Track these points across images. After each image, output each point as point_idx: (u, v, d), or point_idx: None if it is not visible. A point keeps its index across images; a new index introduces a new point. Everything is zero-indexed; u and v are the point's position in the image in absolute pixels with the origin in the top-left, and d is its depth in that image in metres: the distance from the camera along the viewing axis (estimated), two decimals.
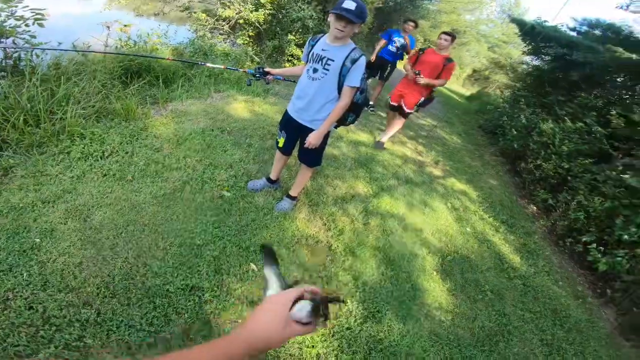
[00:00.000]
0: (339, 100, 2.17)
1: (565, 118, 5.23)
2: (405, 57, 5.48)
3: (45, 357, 1.40)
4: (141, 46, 4.45)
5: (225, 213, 2.46)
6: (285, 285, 0.74)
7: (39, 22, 3.11)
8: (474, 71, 21.95)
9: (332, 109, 2.18)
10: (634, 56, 4.92)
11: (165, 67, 4.17)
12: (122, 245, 1.99)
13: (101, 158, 2.59)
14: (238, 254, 2.16)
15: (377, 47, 5.57)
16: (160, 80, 3.99)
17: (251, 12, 6.54)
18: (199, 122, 3.52)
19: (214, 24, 6.90)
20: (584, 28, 6.93)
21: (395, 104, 4.42)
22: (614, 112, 4.78)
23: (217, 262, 2.06)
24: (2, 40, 3.01)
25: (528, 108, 6.44)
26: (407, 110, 4.36)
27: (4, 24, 3.02)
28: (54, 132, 2.62)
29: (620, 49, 5.11)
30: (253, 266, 2.12)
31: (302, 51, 2.39)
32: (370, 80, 5.68)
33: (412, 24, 5.30)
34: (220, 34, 6.93)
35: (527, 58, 9.07)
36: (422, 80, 4.00)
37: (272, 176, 2.79)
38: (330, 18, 1.99)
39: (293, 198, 2.71)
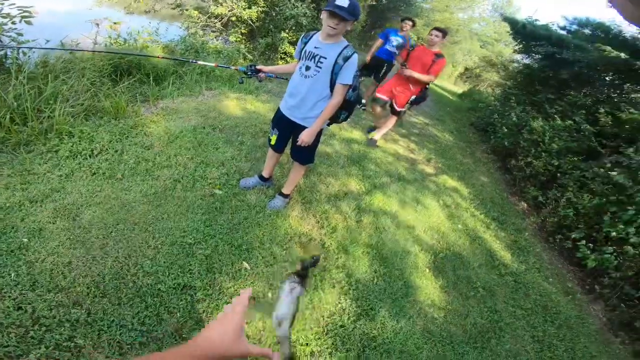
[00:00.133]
0: (331, 97, 2.17)
1: (555, 116, 5.30)
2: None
3: (36, 357, 1.38)
4: (131, 44, 4.39)
5: (217, 211, 2.45)
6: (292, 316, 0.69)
7: (26, 19, 3.05)
8: (466, 69, 22.10)
9: (324, 107, 2.18)
10: (622, 55, 5.00)
11: (156, 65, 4.12)
12: (112, 244, 1.96)
13: (90, 156, 2.56)
14: (230, 253, 2.15)
15: (373, 48, 5.55)
16: (151, 78, 3.95)
17: (244, 9, 6.50)
18: (190, 120, 3.49)
19: (206, 22, 6.85)
20: (574, 27, 7.01)
21: (383, 97, 4.37)
22: (602, 111, 4.86)
23: (209, 261, 2.05)
24: None
25: (518, 106, 6.51)
26: (399, 109, 4.37)
27: None
28: (41, 130, 2.58)
29: (608, 48, 5.18)
30: (245, 264, 2.11)
31: (295, 49, 2.37)
32: (363, 78, 5.67)
33: (409, 22, 5.25)
34: (213, 31, 6.88)
35: (518, 56, 9.16)
36: (407, 72, 4.00)
37: (265, 174, 2.78)
38: (323, 15, 1.99)
39: (286, 196, 2.71)
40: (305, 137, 2.23)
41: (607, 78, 5.93)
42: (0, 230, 1.85)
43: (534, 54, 7.70)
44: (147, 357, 0.57)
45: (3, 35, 3.02)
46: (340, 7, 1.87)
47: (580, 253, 3.45)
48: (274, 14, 6.61)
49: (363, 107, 6.18)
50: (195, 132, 3.27)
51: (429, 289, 2.55)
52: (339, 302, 2.13)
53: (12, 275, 1.65)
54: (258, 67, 2.52)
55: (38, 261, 1.76)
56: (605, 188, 3.75)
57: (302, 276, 0.65)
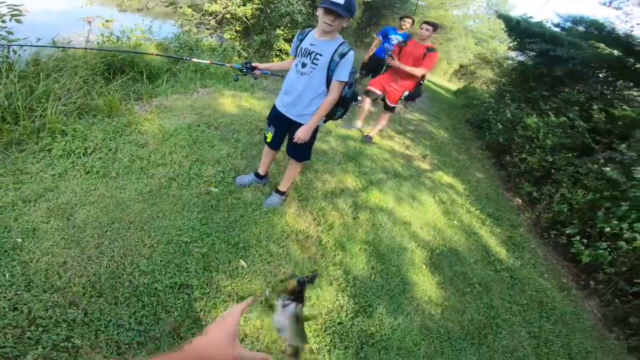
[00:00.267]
0: (327, 94, 2.16)
1: (549, 113, 5.34)
2: None
3: (33, 358, 1.37)
4: (124, 42, 4.35)
5: (213, 209, 2.43)
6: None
7: (16, 18, 3.00)
8: (461, 66, 22.17)
9: (320, 104, 2.17)
10: (615, 52, 5.04)
11: (150, 63, 4.09)
12: (107, 243, 1.94)
13: (84, 155, 2.53)
14: (227, 251, 2.14)
15: (372, 47, 5.52)
16: (145, 76, 3.91)
17: (238, 6, 6.45)
18: (185, 118, 3.47)
19: (200, 19, 6.79)
20: (568, 24, 7.05)
21: (376, 90, 4.33)
22: (595, 107, 4.91)
23: (205, 259, 2.04)
24: None
25: (513, 103, 6.55)
26: (391, 105, 4.36)
27: None
28: (33, 129, 2.55)
29: (602, 45, 5.22)
30: (242, 262, 2.10)
31: (290, 46, 2.37)
32: (358, 76, 5.65)
33: (409, 20, 5.18)
34: (207, 28, 6.83)
35: (513, 53, 9.20)
36: (396, 62, 3.98)
37: (261, 171, 2.77)
38: (319, 12, 1.98)
39: (282, 193, 2.70)
40: (301, 134, 2.23)
41: (600, 75, 5.98)
42: None
43: (528, 51, 7.75)
44: None
45: None
46: (336, 4, 1.86)
47: (574, 249, 3.48)
48: (269, 11, 6.57)
49: (359, 105, 6.16)
50: (190, 129, 3.25)
51: (425, 285, 2.56)
52: (337, 299, 2.14)
53: (7, 275, 1.63)
54: (253, 64, 2.51)
55: (33, 261, 1.73)
56: (599, 184, 3.79)
57: (297, 294, 0.63)
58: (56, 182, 2.25)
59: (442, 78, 20.93)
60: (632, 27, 5.64)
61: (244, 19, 6.59)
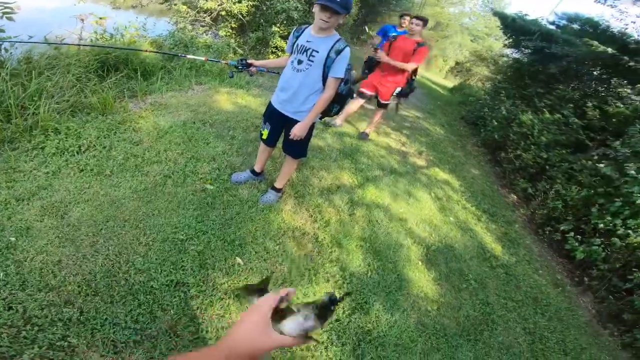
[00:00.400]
0: (323, 91, 2.16)
1: (544, 110, 5.37)
2: None
3: (29, 357, 1.36)
4: (118, 39, 4.30)
5: (209, 207, 2.42)
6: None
7: (7, 16, 2.96)
8: (457, 63, 22.21)
9: (316, 101, 2.17)
10: (609, 50, 5.07)
11: (144, 60, 4.05)
12: (102, 242, 1.93)
13: (77, 153, 2.51)
14: (223, 248, 2.14)
15: (370, 46, 5.48)
16: (139, 73, 3.87)
17: (234, 3, 6.41)
18: (180, 115, 3.44)
19: (195, 16, 6.74)
20: (563, 22, 7.09)
21: (367, 92, 4.30)
22: (590, 104, 4.94)
23: (201, 257, 2.03)
24: None
25: (508, 100, 6.57)
26: (383, 101, 4.33)
27: None
28: (26, 127, 2.52)
29: (596, 43, 5.24)
30: (239, 260, 2.10)
31: (286, 43, 2.36)
32: (355, 73, 5.60)
33: (409, 18, 5.06)
34: (202, 26, 6.78)
35: (508, 51, 9.23)
36: (384, 58, 3.97)
37: (257, 168, 2.76)
38: (315, 9, 1.98)
39: (278, 190, 2.69)
40: (297, 131, 2.22)
41: (594, 72, 6.01)
42: None
43: (523, 49, 7.77)
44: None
45: None
46: (333, 1, 1.86)
47: (569, 245, 3.50)
48: (264, 8, 6.53)
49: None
50: (185, 127, 3.23)
51: (422, 281, 2.57)
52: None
53: (1, 275, 1.62)
54: (249, 61, 2.51)
55: (27, 260, 1.72)
56: (593, 180, 3.82)
57: (322, 312, 0.59)
58: (50, 180, 2.22)
59: (438, 75, 20.96)
60: (626, 25, 5.68)
61: (240, 16, 6.55)
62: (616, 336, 2.90)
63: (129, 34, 4.52)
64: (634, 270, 3.00)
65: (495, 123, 6.15)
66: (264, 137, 2.48)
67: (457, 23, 24.54)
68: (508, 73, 8.36)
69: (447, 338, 2.20)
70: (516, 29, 7.56)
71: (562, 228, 3.77)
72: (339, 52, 2.04)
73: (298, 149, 2.46)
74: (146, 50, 3.58)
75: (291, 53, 2.21)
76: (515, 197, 4.89)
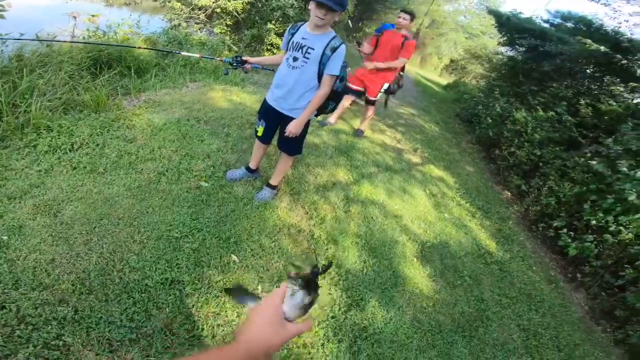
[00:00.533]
0: (319, 88, 2.15)
1: (538, 107, 5.41)
2: None
3: (24, 357, 1.35)
4: (111, 36, 4.26)
5: (204, 204, 2.41)
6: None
7: None
8: (451, 61, 22.28)
9: (311, 98, 2.17)
10: (602, 48, 5.11)
11: (137, 57, 4.02)
12: (96, 240, 1.92)
13: (70, 151, 2.48)
14: (218, 246, 2.13)
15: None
16: (132, 71, 3.84)
17: (229, 0, 6.37)
18: (174, 112, 3.42)
19: (190, 13, 6.70)
20: (557, 20, 7.13)
21: (355, 87, 4.29)
22: (582, 102, 4.99)
23: (196, 255, 2.02)
24: None
25: (502, 97, 6.61)
26: (371, 98, 4.32)
27: None
28: (17, 125, 2.49)
29: (589, 41, 5.29)
30: (234, 257, 2.09)
31: (282, 40, 2.35)
32: (349, 69, 5.57)
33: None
34: (196, 23, 6.74)
35: (503, 49, 9.27)
36: (370, 65, 3.98)
37: (252, 165, 2.75)
38: (311, 6, 1.97)
39: (273, 187, 2.69)
40: (292, 128, 2.22)
41: (587, 70, 6.06)
42: None
43: (518, 47, 7.81)
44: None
45: None
46: None
47: (562, 241, 3.54)
48: (259, 5, 6.50)
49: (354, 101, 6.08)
50: (179, 124, 3.20)
51: (417, 278, 2.58)
52: (330, 293, 2.14)
53: None
54: (244, 58, 2.49)
55: (19, 259, 1.70)
56: (586, 177, 3.86)
57: (307, 282, 0.59)
58: (42, 178, 2.20)
59: (433, 73, 21.01)
60: (619, 23, 5.73)
61: (235, 13, 6.51)
62: (609, 332, 2.93)
63: (122, 32, 4.48)
64: (625, 267, 3.03)
65: (490, 120, 6.19)
66: (259, 134, 2.47)
67: (452, 21, 24.59)
68: (502, 71, 8.41)
69: (443, 334, 2.21)
70: (511, 27, 7.60)
71: (555, 224, 3.81)
72: (334, 50, 2.04)
73: (293, 146, 2.46)
74: (139, 47, 3.55)
75: (286, 50, 2.20)
76: (509, 193, 4.92)
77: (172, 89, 3.98)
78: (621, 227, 3.24)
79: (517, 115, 5.42)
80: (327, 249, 2.47)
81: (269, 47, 6.36)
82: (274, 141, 2.55)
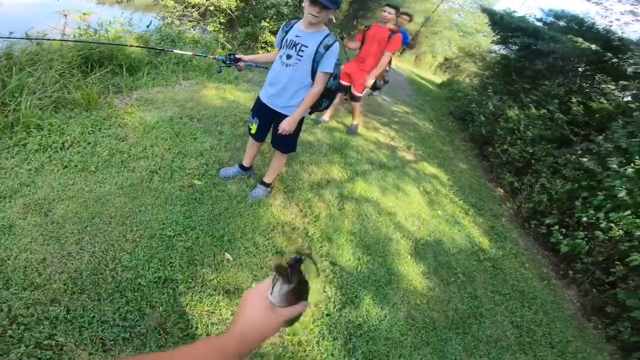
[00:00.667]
0: (312, 86, 2.15)
1: (530, 105, 5.45)
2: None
3: (17, 357, 1.34)
4: (102, 34, 4.21)
5: (197, 202, 2.40)
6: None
7: None
8: (446, 59, 22.34)
9: (305, 95, 2.17)
10: (592, 46, 5.16)
11: (129, 55, 3.97)
12: (87, 239, 1.90)
13: (61, 149, 2.45)
14: (212, 244, 2.12)
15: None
16: (124, 69, 3.80)
17: None
18: (167, 110, 3.39)
19: (183, 11, 6.64)
20: (550, 19, 7.18)
21: (344, 83, 4.27)
22: (574, 100, 5.03)
23: (190, 253, 2.01)
24: None
25: (495, 95, 6.65)
26: (357, 94, 4.31)
27: None
28: (7, 124, 2.46)
29: (580, 39, 5.34)
30: (228, 256, 2.09)
31: (276, 38, 2.35)
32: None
33: (406, 17, 4.89)
34: (189, 21, 6.68)
35: (496, 47, 9.32)
36: (369, 81, 4.05)
37: (245, 163, 2.74)
38: (305, 3, 1.97)
39: (267, 185, 2.68)
40: (286, 126, 2.21)
41: (579, 69, 6.12)
42: None
43: (511, 45, 7.86)
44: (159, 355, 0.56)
45: None
46: None
47: (553, 238, 3.57)
48: (254, 3, 6.47)
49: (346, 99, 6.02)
50: (172, 122, 3.18)
51: (411, 275, 2.60)
52: (324, 291, 2.15)
53: None
54: (237, 56, 2.49)
55: (10, 258, 1.68)
56: (577, 174, 3.90)
57: (286, 269, 0.60)
58: (32, 177, 2.18)
59: (427, 71, 21.08)
60: (610, 22, 5.79)
61: (228, 10, 6.47)
62: (600, 329, 2.95)
63: (113, 30, 4.43)
64: (616, 264, 3.07)
65: (483, 118, 6.23)
66: (253, 131, 2.46)
67: (446, 19, 24.63)
68: (495, 69, 8.45)
69: (437, 331, 2.23)
70: (504, 25, 7.64)
71: (547, 222, 3.85)
72: (328, 47, 2.04)
73: (287, 144, 2.46)
74: (131, 45, 3.52)
75: (280, 48, 2.20)
76: (502, 191, 4.96)
77: (164, 87, 3.95)
78: (611, 224, 3.28)
79: (510, 113, 5.46)
80: (321, 247, 2.47)
81: (263, 45, 6.32)
82: (268, 139, 2.55)
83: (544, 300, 2.98)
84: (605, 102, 4.79)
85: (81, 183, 2.24)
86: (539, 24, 7.30)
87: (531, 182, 4.46)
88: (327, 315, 2.01)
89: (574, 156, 4.13)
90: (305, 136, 3.91)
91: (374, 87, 4.32)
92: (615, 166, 3.42)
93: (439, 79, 16.84)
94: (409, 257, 2.78)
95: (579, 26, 6.23)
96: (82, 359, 1.41)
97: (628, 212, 3.22)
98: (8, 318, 1.45)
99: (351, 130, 4.65)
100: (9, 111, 2.53)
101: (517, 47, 7.40)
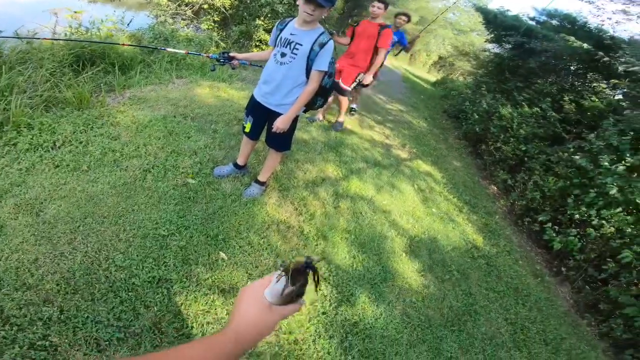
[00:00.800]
0: (307, 84, 2.15)
1: (523, 103, 5.49)
2: (394, 50, 5.30)
3: (10, 358, 1.32)
4: (94, 33, 4.17)
5: (191, 201, 2.39)
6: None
7: None
8: (440, 58, 22.44)
9: (299, 93, 2.16)
10: (584, 45, 5.21)
11: (122, 54, 3.93)
12: (80, 239, 1.88)
13: (52, 149, 2.42)
14: (206, 243, 2.11)
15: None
16: (116, 67, 3.76)
17: None
18: (160, 109, 3.36)
19: (176, 9, 6.58)
20: (543, 18, 7.24)
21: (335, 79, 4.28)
22: (566, 98, 5.07)
23: (184, 253, 2.00)
24: None
25: (489, 94, 6.69)
26: (345, 87, 4.26)
27: None
28: None
29: (572, 38, 5.39)
30: (223, 255, 2.08)
31: (270, 36, 2.35)
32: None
33: (404, 18, 4.89)
34: (183, 19, 6.62)
35: (490, 46, 9.37)
36: (368, 78, 4.08)
37: (240, 162, 2.73)
38: (299, 2, 1.97)
39: (262, 183, 2.67)
40: (280, 124, 2.21)
41: (571, 67, 6.17)
42: None
43: (504, 44, 7.91)
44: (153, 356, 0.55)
45: None
46: None
47: (546, 235, 3.60)
48: (248, 1, 6.43)
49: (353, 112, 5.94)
50: (165, 121, 3.16)
51: (406, 273, 2.61)
52: (320, 289, 2.14)
53: None
54: (231, 54, 2.48)
55: (2, 259, 1.66)
56: (569, 171, 3.93)
57: (295, 270, 0.59)
58: (23, 176, 2.15)
59: (421, 69, 21.15)
60: (602, 21, 5.85)
61: (222, 9, 6.43)
62: (594, 326, 2.97)
63: (105, 28, 4.38)
64: (608, 261, 3.10)
65: (476, 116, 6.26)
66: (247, 130, 2.45)
67: (441, 17, 24.69)
68: (489, 67, 8.50)
69: (432, 329, 2.23)
70: (498, 24, 7.69)
71: (540, 219, 3.88)
72: (322, 45, 2.04)
73: (281, 142, 2.45)
74: (123, 44, 3.48)
75: (275, 46, 2.19)
76: (495, 188, 5.00)
77: (157, 86, 3.92)
78: (603, 221, 3.31)
79: (503, 111, 5.49)
80: (316, 245, 2.47)
81: (257, 44, 6.29)
82: (262, 137, 2.54)
83: (537, 297, 3.00)
84: (596, 100, 4.83)
85: (73, 182, 2.22)
86: (532, 22, 7.35)
87: (524, 180, 4.49)
88: (323, 313, 2.01)
89: (566, 154, 4.17)
90: (300, 134, 3.90)
91: (361, 84, 4.30)
92: (606, 164, 3.45)
93: (433, 77, 16.92)
94: (404, 254, 2.79)
95: (571, 25, 6.29)
96: None
97: (619, 209, 3.25)
98: (0, 319, 1.43)
99: (336, 127, 4.55)
100: None
101: (510, 46, 7.45)
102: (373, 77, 4.31)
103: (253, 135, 2.49)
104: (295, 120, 2.31)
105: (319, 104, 2.35)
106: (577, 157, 3.89)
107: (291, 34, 2.09)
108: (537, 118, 5.09)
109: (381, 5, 3.89)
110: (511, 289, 2.97)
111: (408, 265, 2.69)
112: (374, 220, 3.02)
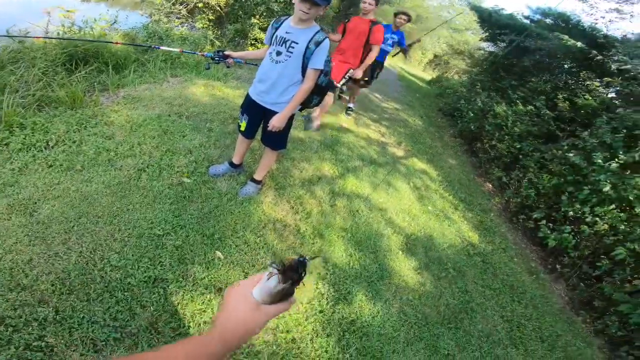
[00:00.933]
0: (302, 83, 2.14)
1: (518, 101, 5.52)
2: (393, 51, 5.25)
3: (6, 358, 1.32)
4: (87, 32, 4.12)
5: (186, 200, 2.38)
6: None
7: None
8: (435, 56, 22.48)
9: (295, 92, 2.16)
10: (578, 44, 5.25)
11: (116, 53, 3.90)
12: (75, 239, 1.86)
13: (45, 148, 2.40)
14: (202, 242, 2.10)
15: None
16: (110, 66, 3.72)
17: None
18: (155, 108, 3.34)
19: (170, 8, 6.53)
20: (537, 16, 7.28)
21: None
22: (560, 96, 5.11)
23: (180, 252, 1.99)
24: None
25: (484, 92, 6.73)
26: (335, 84, 4.13)
27: None
28: None
29: (566, 37, 5.42)
30: (219, 254, 2.07)
31: (266, 34, 2.34)
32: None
33: (404, 17, 4.86)
34: (177, 18, 6.58)
35: (484, 44, 9.42)
36: (358, 73, 4.02)
37: (235, 160, 2.72)
38: (295, 0, 1.95)
39: (258, 182, 2.67)
40: (275, 122, 2.20)
41: (565, 66, 6.21)
42: None
43: (499, 42, 7.94)
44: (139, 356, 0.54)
45: None
46: None
47: (541, 233, 3.62)
48: (243, 0, 6.40)
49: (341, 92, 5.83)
50: (160, 120, 3.14)
51: (402, 271, 2.61)
52: (317, 288, 2.15)
53: None
54: (226, 52, 2.47)
55: None
56: (563, 169, 3.96)
57: (288, 268, 0.59)
58: (16, 176, 2.12)
59: (416, 68, 21.19)
60: (596, 19, 5.90)
61: (217, 7, 6.40)
62: (589, 323, 3.00)
63: (99, 27, 4.34)
64: (602, 258, 3.12)
65: (472, 114, 6.30)
66: (242, 128, 2.44)
67: (436, 16, 24.76)
68: (484, 66, 8.53)
69: (429, 327, 2.24)
70: (492, 23, 7.73)
71: (534, 216, 3.91)
72: (318, 44, 2.03)
73: (277, 141, 2.44)
74: (116, 43, 3.45)
75: (270, 44, 2.18)
76: (490, 185, 5.03)
77: (152, 85, 3.89)
78: (597, 218, 3.33)
79: (498, 109, 5.53)
80: (313, 244, 2.47)
81: (252, 42, 6.27)
82: (258, 136, 2.53)
83: (533, 295, 3.02)
84: (590, 98, 4.87)
85: (67, 182, 2.20)
86: (527, 21, 7.40)
87: (519, 177, 4.53)
88: (321, 312, 2.01)
89: (560, 151, 4.20)
90: (296, 133, 3.90)
91: (352, 80, 4.28)
92: (600, 161, 3.48)
93: (428, 75, 16.95)
94: (400, 252, 2.80)
95: (565, 24, 6.33)
96: None
97: (612, 206, 3.28)
98: None
99: (308, 125, 4.18)
100: None
101: (505, 44, 7.48)
102: (373, 77, 4.30)
103: (248, 133, 2.48)
104: (291, 119, 2.30)
105: (314, 102, 2.35)
106: (571, 154, 3.92)
107: (287, 33, 2.08)
108: (531, 116, 5.12)
109: (372, 1, 3.85)
110: (507, 286, 2.98)
111: (404, 263, 2.70)
112: (370, 218, 3.03)
